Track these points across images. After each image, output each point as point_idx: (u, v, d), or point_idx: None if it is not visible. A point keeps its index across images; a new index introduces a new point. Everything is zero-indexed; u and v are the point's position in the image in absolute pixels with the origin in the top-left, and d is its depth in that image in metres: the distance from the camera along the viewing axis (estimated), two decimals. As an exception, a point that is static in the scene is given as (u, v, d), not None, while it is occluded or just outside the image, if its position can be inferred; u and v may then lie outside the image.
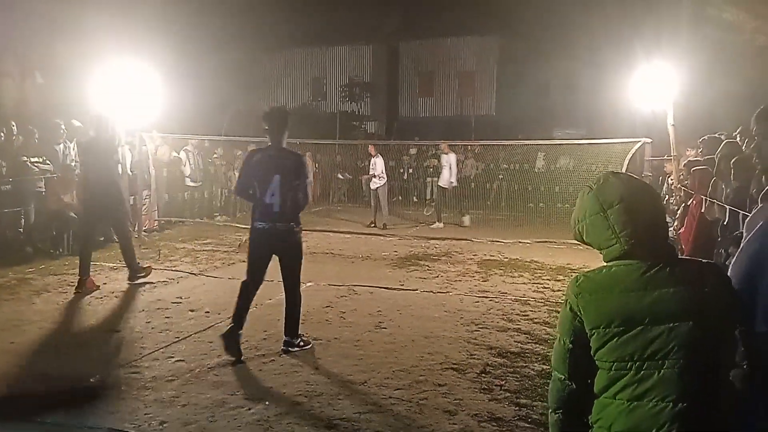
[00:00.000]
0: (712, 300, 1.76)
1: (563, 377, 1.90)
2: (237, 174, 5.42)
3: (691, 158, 8.02)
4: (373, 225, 13.26)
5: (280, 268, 5.22)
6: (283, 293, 5.26)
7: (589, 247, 1.96)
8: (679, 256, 1.89)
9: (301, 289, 5.32)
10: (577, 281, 1.89)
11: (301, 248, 5.29)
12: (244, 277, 5.22)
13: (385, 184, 13.17)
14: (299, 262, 5.28)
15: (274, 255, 5.19)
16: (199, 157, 13.64)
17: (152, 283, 7.54)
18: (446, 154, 13.53)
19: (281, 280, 5.71)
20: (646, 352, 1.75)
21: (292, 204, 5.06)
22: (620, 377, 1.78)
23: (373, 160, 13.56)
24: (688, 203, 6.56)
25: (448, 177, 13.36)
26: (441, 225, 13.53)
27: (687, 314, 1.74)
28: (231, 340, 4.98)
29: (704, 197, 5.83)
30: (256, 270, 5.18)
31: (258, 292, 5.22)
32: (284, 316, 5.25)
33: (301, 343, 5.27)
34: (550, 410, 1.94)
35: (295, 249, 5.23)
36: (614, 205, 1.84)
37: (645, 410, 1.74)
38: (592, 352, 1.84)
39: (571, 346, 1.88)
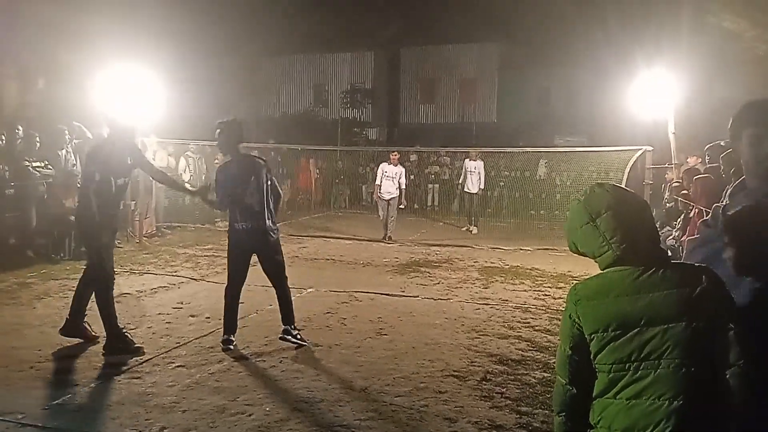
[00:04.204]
0: (704, 301, 1.82)
1: (565, 382, 1.97)
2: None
3: (691, 166, 8.04)
4: (387, 238, 12.10)
5: (263, 267, 5.50)
6: (275, 291, 5.50)
7: (585, 257, 2.02)
8: (673, 261, 1.94)
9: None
10: (575, 290, 1.98)
11: (280, 245, 5.56)
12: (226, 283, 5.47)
13: (397, 195, 12.38)
14: (282, 257, 5.55)
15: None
16: (200, 162, 13.62)
17: (153, 288, 7.55)
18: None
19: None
20: (643, 353, 1.82)
21: (269, 202, 5.39)
22: (619, 378, 1.85)
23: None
24: (689, 212, 6.56)
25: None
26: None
27: (680, 315, 1.81)
28: (227, 347, 5.30)
29: (703, 208, 5.83)
30: (239, 271, 5.41)
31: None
32: (279, 308, 5.48)
33: (298, 336, 5.47)
34: (555, 413, 2.03)
35: (277, 245, 5.50)
36: (602, 214, 1.91)
37: (642, 408, 1.81)
38: (592, 357, 1.91)
39: (570, 352, 1.95)
